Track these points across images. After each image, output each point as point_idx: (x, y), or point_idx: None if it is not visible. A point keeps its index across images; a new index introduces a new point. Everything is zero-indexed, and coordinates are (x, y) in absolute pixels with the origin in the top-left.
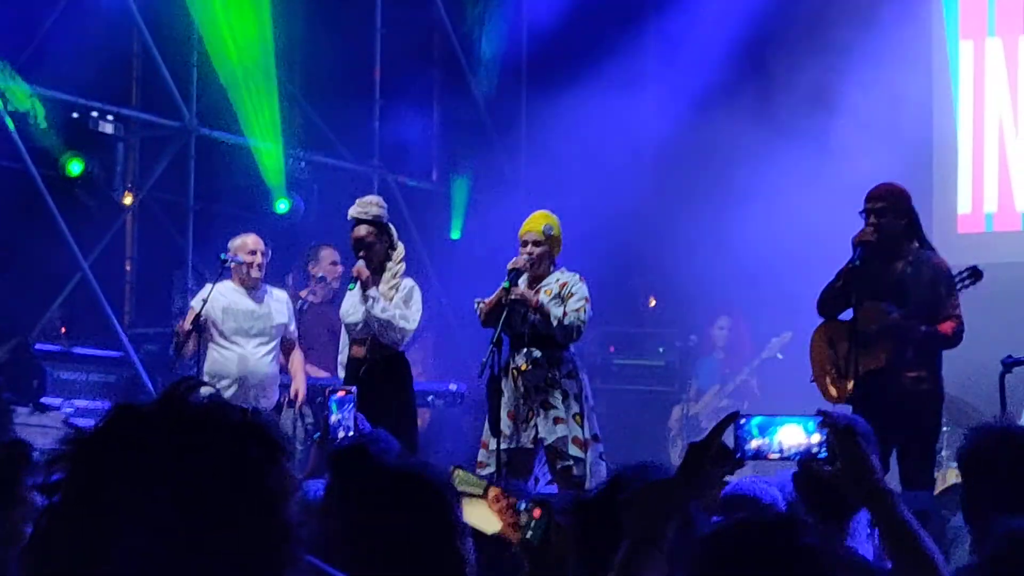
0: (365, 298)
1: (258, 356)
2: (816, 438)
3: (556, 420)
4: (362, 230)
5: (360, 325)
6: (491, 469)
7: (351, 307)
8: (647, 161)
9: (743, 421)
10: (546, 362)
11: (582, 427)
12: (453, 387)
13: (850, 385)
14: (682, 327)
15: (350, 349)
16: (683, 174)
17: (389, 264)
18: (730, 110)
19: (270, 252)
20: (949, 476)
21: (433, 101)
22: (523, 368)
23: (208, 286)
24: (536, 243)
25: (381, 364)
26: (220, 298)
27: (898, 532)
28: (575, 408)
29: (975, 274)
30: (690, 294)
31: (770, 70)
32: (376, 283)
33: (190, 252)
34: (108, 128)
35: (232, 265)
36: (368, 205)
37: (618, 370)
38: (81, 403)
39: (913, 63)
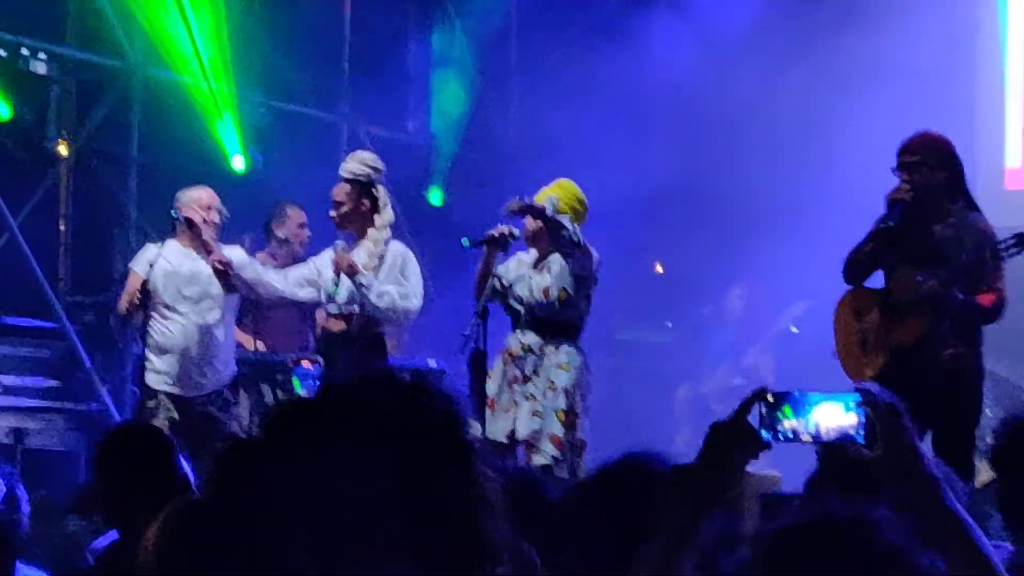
0: (357, 285)
1: (205, 325)
2: (853, 418)
3: (534, 413)
4: (337, 189)
5: (345, 302)
6: None
7: (332, 279)
8: (655, 108)
9: (772, 399)
10: (540, 349)
11: (564, 426)
12: (432, 363)
13: (879, 361)
14: (694, 297)
15: (323, 315)
16: (694, 122)
17: (371, 230)
18: (749, 53)
19: (226, 211)
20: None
21: (409, 39)
22: (514, 353)
23: (150, 246)
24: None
25: (363, 343)
26: (163, 262)
27: (950, 526)
28: (560, 403)
29: (1021, 241)
30: (703, 259)
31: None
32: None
33: (134, 210)
34: (40, 68)
35: (181, 222)
36: (355, 162)
37: (619, 345)
38: (9, 380)
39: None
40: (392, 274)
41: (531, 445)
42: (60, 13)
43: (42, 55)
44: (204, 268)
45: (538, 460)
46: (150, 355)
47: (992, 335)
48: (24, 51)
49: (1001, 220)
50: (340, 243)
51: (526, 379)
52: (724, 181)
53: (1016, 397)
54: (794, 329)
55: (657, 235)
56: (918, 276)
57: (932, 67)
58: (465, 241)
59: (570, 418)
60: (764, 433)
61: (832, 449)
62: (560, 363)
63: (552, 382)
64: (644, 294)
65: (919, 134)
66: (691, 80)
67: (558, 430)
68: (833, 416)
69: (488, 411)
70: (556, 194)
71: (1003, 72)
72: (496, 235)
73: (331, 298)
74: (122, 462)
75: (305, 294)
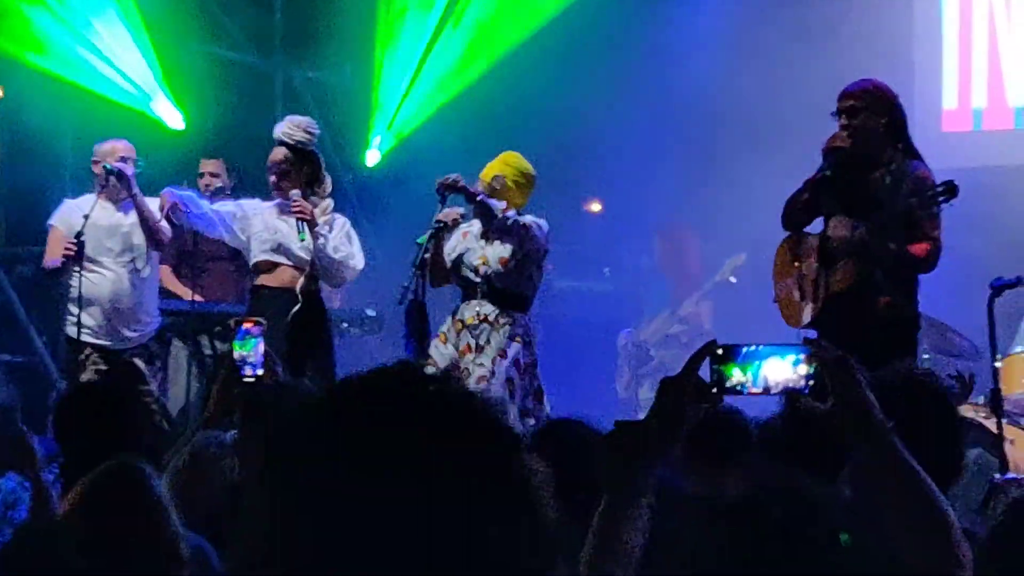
0: (315, 236)
1: (129, 277)
2: (803, 370)
3: (480, 379)
4: (279, 153)
5: (297, 253)
6: None
7: (283, 229)
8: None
9: (721, 352)
10: (495, 320)
11: (513, 395)
12: (371, 312)
13: (816, 307)
14: (631, 242)
15: (264, 274)
16: (628, 68)
17: (314, 199)
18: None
19: (142, 161)
20: None
21: None
22: (468, 322)
23: (68, 201)
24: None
25: (309, 298)
26: (80, 216)
27: (903, 477)
28: (512, 373)
29: (949, 190)
30: (639, 204)
31: None
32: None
33: (68, 161)
34: None
35: (100, 175)
36: (294, 128)
37: (558, 294)
38: None
39: None
40: (340, 238)
41: None
42: None
43: None
44: (124, 220)
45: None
46: (73, 308)
47: (930, 282)
48: None
49: (939, 162)
50: (296, 192)
51: (480, 348)
52: (664, 123)
53: (954, 341)
54: (732, 279)
55: (595, 177)
56: (852, 224)
57: (869, 13)
58: (422, 239)
59: (515, 386)
60: (714, 387)
61: (794, 407)
62: (513, 334)
63: (503, 351)
64: (580, 241)
65: (860, 81)
66: None
67: (501, 391)
68: (782, 369)
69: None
70: (503, 172)
71: (940, 13)
72: (448, 222)
73: (281, 246)
74: (83, 425)
75: (227, 235)
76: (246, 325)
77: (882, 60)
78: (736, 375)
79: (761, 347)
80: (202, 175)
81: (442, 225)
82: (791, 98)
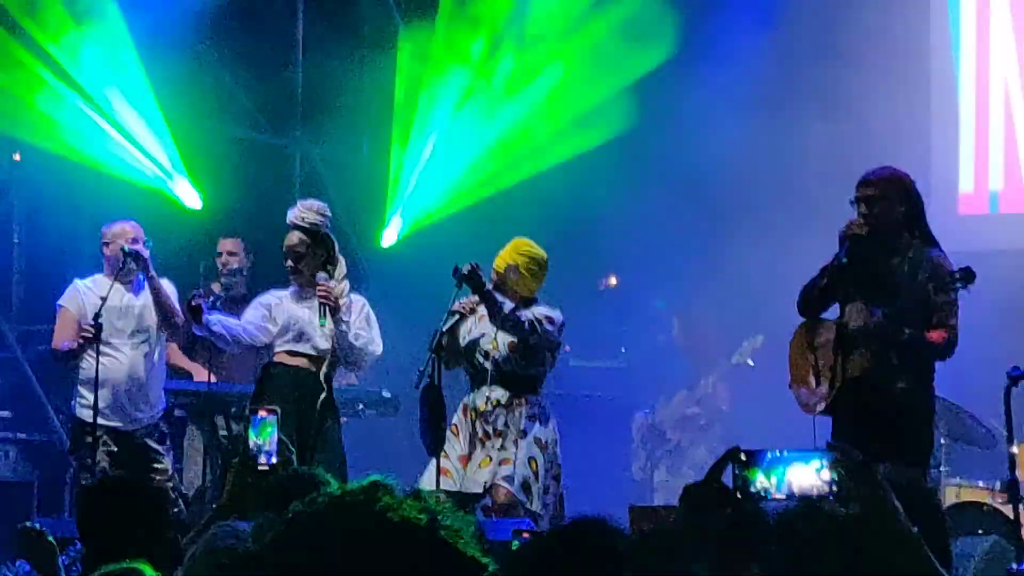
0: (336, 322)
1: (139, 358)
2: (826, 475)
3: (503, 461)
4: (294, 237)
5: (319, 342)
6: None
7: (304, 316)
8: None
9: (744, 458)
10: (509, 403)
11: (536, 474)
12: (387, 394)
13: (832, 392)
14: (648, 321)
15: (285, 355)
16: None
17: (331, 282)
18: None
19: (151, 242)
20: (948, 495)
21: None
22: (482, 409)
23: (78, 282)
24: (495, 284)
25: (328, 383)
26: (94, 297)
27: None
28: (534, 452)
29: (967, 275)
30: (656, 283)
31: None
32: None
33: (86, 238)
34: None
35: (106, 256)
36: (307, 211)
37: (575, 373)
38: None
39: (908, 23)
40: (360, 322)
41: (497, 487)
42: None
43: None
44: (136, 302)
45: (503, 495)
46: (83, 390)
47: (946, 367)
48: None
49: (955, 245)
50: (323, 275)
51: (498, 433)
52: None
53: (971, 427)
54: (750, 362)
55: (611, 255)
56: (869, 310)
57: (887, 94)
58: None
59: (539, 466)
60: (739, 494)
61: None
62: (530, 414)
63: (523, 432)
64: (597, 320)
65: (879, 169)
66: None
67: (528, 475)
68: (806, 475)
69: (461, 468)
70: (515, 261)
71: (956, 98)
72: (465, 312)
73: (303, 335)
74: (104, 521)
75: (265, 338)
76: (261, 413)
77: (899, 142)
78: (760, 480)
79: (785, 453)
80: (220, 254)
81: (459, 315)
82: (810, 177)
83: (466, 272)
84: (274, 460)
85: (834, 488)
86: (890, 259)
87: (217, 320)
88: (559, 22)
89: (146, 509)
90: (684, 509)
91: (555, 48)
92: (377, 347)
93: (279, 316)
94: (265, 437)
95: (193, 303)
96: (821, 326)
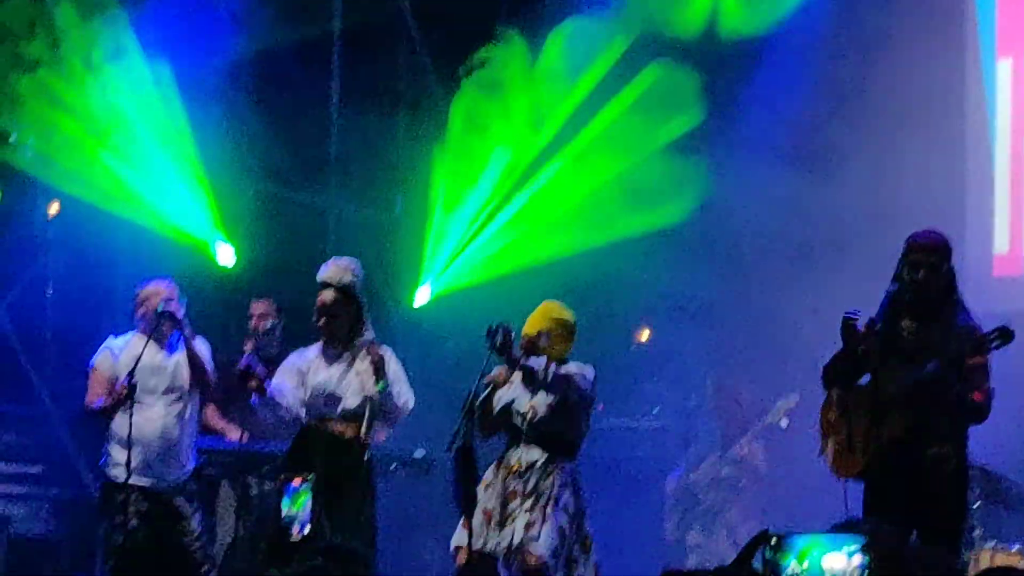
0: (384, 384)
1: (171, 417)
2: (857, 560)
3: (530, 525)
4: (329, 295)
5: (357, 403)
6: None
7: (333, 378)
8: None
9: (774, 543)
10: (544, 467)
11: (563, 543)
12: (418, 454)
13: (865, 459)
14: (679, 380)
15: (323, 422)
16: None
17: (359, 340)
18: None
19: (186, 299)
20: (983, 559)
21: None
22: (515, 468)
23: (111, 340)
24: (526, 349)
25: (360, 444)
26: (126, 355)
27: None
28: (563, 521)
29: (1004, 335)
30: (687, 341)
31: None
32: (347, 358)
33: (120, 289)
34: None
35: (140, 315)
36: (342, 271)
37: (607, 432)
38: None
39: (943, 83)
40: (395, 379)
41: (526, 551)
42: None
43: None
44: (168, 360)
45: (533, 564)
46: (112, 449)
47: (983, 431)
48: (10, 139)
49: (989, 306)
50: (366, 336)
51: (527, 495)
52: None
53: (1005, 489)
54: (784, 423)
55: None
56: (908, 373)
57: (923, 153)
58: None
59: (565, 536)
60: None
61: None
62: (563, 482)
63: (556, 497)
64: (629, 379)
65: (933, 232)
66: None
67: (556, 543)
68: (837, 560)
69: (484, 520)
70: (546, 327)
71: (991, 158)
72: (500, 380)
73: (333, 403)
74: None
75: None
76: (295, 482)
77: (934, 200)
78: (791, 566)
79: (815, 536)
80: (251, 316)
81: (492, 385)
82: (845, 235)
83: (499, 344)
84: (307, 531)
85: (865, 572)
86: (928, 323)
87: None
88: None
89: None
90: None
91: (598, 126)
92: (410, 401)
93: (311, 381)
94: (299, 507)
95: (242, 367)
96: (852, 393)
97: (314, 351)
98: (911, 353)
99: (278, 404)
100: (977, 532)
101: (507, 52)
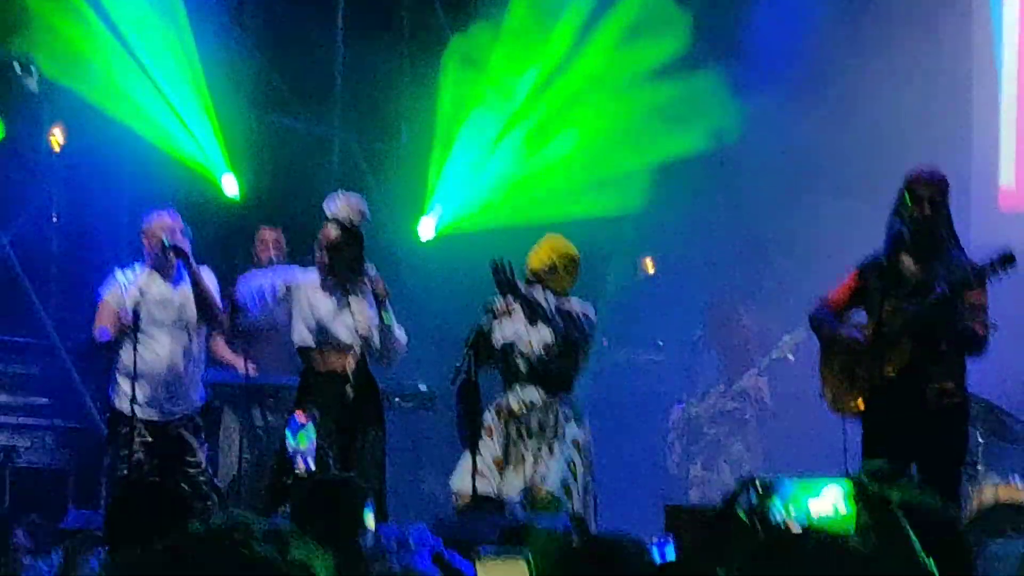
0: (389, 315)
1: (178, 350)
2: (843, 508)
3: (538, 462)
4: (333, 232)
5: (350, 337)
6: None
7: (330, 311)
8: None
9: (761, 488)
10: (544, 404)
11: (575, 476)
12: (423, 387)
13: (865, 395)
14: (684, 314)
15: (321, 355)
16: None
17: (368, 274)
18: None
19: (190, 231)
20: (986, 494)
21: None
22: (516, 411)
23: (119, 273)
24: (531, 283)
25: (364, 379)
26: (134, 288)
27: None
28: (571, 454)
29: (1006, 259)
30: (692, 275)
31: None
32: (348, 292)
33: (125, 223)
34: (32, 85)
35: (146, 247)
36: (353, 211)
37: (611, 367)
38: None
39: (949, 18)
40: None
41: (535, 487)
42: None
43: (34, 70)
44: (176, 293)
45: (542, 498)
46: (121, 381)
47: (987, 367)
48: (16, 68)
49: (994, 240)
50: (372, 268)
51: (532, 435)
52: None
53: (1009, 424)
54: (791, 357)
55: (646, 247)
56: (913, 303)
57: (927, 88)
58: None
59: (577, 468)
60: (755, 526)
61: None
62: (566, 415)
63: (562, 431)
64: (633, 313)
65: (931, 168)
66: None
67: (569, 477)
68: (822, 507)
69: (496, 470)
70: (553, 261)
71: (998, 91)
72: (499, 314)
73: (326, 334)
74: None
75: (272, 306)
76: (299, 418)
77: (941, 138)
78: (776, 512)
79: (801, 482)
80: (260, 243)
81: (495, 316)
82: (850, 167)
83: (504, 279)
84: (312, 465)
85: (852, 521)
86: (929, 262)
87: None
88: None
89: (172, 513)
90: (702, 542)
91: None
92: (404, 339)
93: (299, 300)
94: (303, 442)
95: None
96: (853, 331)
97: (311, 277)
98: (913, 289)
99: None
100: (981, 467)
101: None
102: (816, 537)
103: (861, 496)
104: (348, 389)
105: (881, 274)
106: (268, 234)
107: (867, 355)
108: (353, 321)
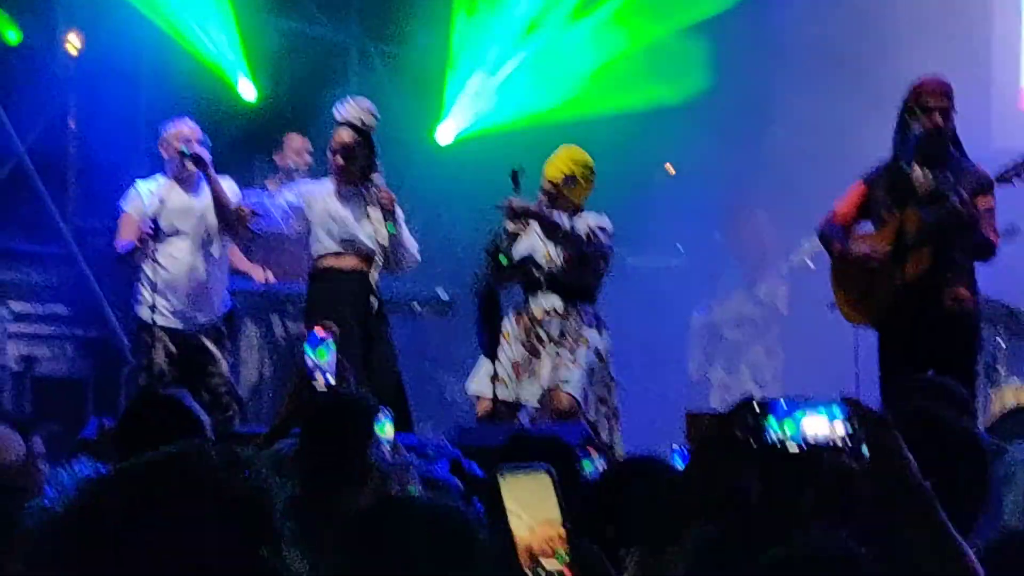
0: (393, 225)
1: (200, 259)
2: (840, 428)
3: (558, 366)
4: (346, 135)
5: (372, 243)
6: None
7: (348, 217)
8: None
9: (758, 408)
10: (566, 311)
11: (591, 382)
12: (443, 295)
13: (882, 304)
14: (703, 217)
15: (339, 257)
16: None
17: (377, 181)
18: None
19: (208, 140)
20: (1007, 396)
21: None
22: (538, 316)
23: (139, 183)
24: (549, 194)
25: (379, 286)
26: (155, 198)
27: (939, 540)
28: (592, 361)
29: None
30: (711, 178)
31: None
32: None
33: (143, 133)
34: None
35: (165, 157)
36: (363, 112)
37: (630, 271)
38: (18, 306)
39: None
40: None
41: (556, 392)
42: None
43: None
44: (196, 202)
45: (561, 398)
46: (143, 291)
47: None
48: None
49: (1013, 141)
50: (380, 178)
51: (553, 340)
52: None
53: None
54: (810, 264)
55: (664, 151)
56: (932, 211)
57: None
58: (503, 259)
59: (596, 375)
60: (753, 443)
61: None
62: (588, 323)
63: (584, 338)
64: (651, 217)
65: (941, 80)
66: None
67: (588, 385)
68: (819, 426)
69: (514, 376)
70: (573, 171)
71: None
72: (519, 231)
73: (346, 236)
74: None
75: (298, 227)
76: (320, 333)
77: (961, 40)
78: (773, 432)
79: (798, 403)
80: (286, 148)
81: (513, 233)
82: (866, 60)
83: (516, 208)
84: (332, 380)
85: (848, 441)
86: (937, 170)
87: (267, 218)
88: None
89: (185, 428)
90: (695, 461)
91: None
92: (416, 249)
93: (316, 210)
94: (323, 357)
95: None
96: (860, 245)
97: (327, 186)
98: (926, 197)
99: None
100: (1002, 370)
101: None
102: (811, 456)
103: (857, 415)
104: (372, 299)
105: (891, 184)
106: (297, 142)
107: (884, 264)
108: (372, 228)
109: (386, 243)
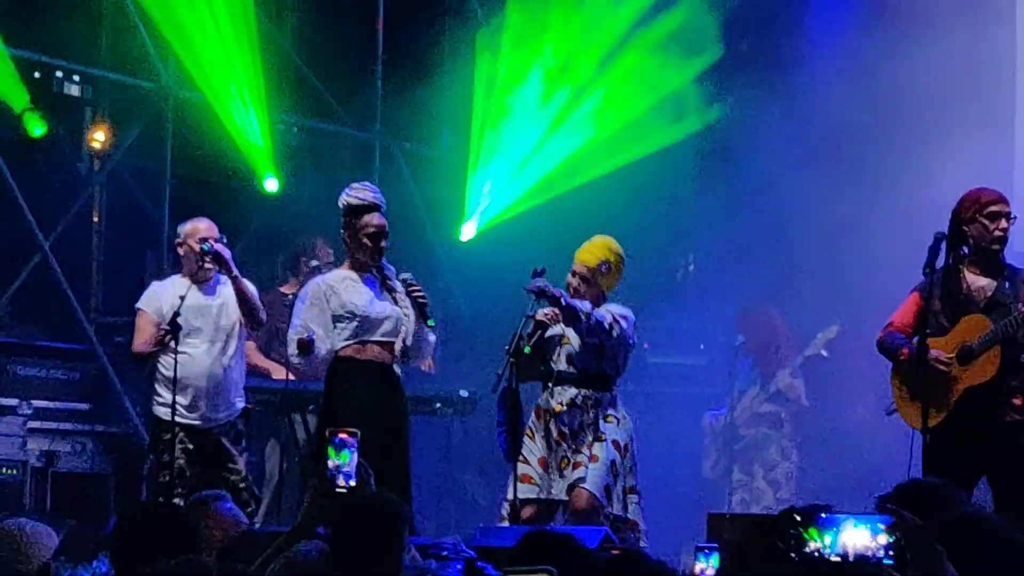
0: (423, 315)
1: (216, 357)
2: (883, 539)
3: (577, 464)
4: (380, 218)
5: (390, 327)
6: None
7: (371, 301)
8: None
9: (799, 518)
10: (583, 403)
11: (616, 477)
12: (464, 393)
13: (945, 411)
14: (725, 319)
15: (362, 347)
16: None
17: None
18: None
19: (225, 238)
20: None
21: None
22: (557, 410)
23: (155, 284)
24: (584, 278)
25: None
26: (172, 297)
27: None
28: (613, 455)
29: None
30: (732, 278)
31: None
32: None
33: (166, 229)
34: (75, 90)
35: (183, 256)
36: (377, 195)
37: (653, 369)
38: (40, 403)
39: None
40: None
41: (577, 490)
42: (94, 36)
43: (76, 77)
44: (212, 300)
45: (583, 504)
46: (160, 389)
47: None
48: (59, 73)
49: None
50: (409, 275)
51: (573, 435)
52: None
53: None
54: (825, 353)
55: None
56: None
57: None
58: (527, 349)
59: (619, 468)
60: (791, 554)
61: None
62: (605, 415)
63: (601, 433)
64: (675, 317)
65: (997, 190)
66: None
67: (609, 480)
68: (860, 538)
69: (539, 468)
70: (607, 258)
71: None
72: (547, 321)
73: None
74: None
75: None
76: (341, 435)
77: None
78: (814, 540)
79: (840, 515)
80: (315, 254)
81: (544, 325)
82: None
83: (538, 290)
84: (352, 483)
85: (890, 552)
86: (991, 278)
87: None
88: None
89: (178, 537)
90: (732, 566)
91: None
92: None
93: (333, 303)
94: (344, 459)
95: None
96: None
97: (336, 275)
98: (984, 306)
99: (317, 353)
100: None
101: None
102: (853, 567)
103: (900, 527)
104: (395, 391)
105: (948, 292)
106: (325, 250)
107: (952, 369)
108: (392, 310)
109: (408, 325)
